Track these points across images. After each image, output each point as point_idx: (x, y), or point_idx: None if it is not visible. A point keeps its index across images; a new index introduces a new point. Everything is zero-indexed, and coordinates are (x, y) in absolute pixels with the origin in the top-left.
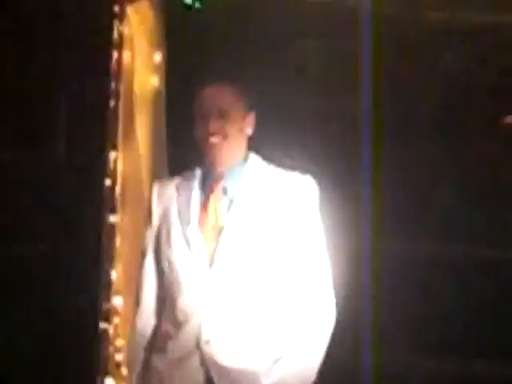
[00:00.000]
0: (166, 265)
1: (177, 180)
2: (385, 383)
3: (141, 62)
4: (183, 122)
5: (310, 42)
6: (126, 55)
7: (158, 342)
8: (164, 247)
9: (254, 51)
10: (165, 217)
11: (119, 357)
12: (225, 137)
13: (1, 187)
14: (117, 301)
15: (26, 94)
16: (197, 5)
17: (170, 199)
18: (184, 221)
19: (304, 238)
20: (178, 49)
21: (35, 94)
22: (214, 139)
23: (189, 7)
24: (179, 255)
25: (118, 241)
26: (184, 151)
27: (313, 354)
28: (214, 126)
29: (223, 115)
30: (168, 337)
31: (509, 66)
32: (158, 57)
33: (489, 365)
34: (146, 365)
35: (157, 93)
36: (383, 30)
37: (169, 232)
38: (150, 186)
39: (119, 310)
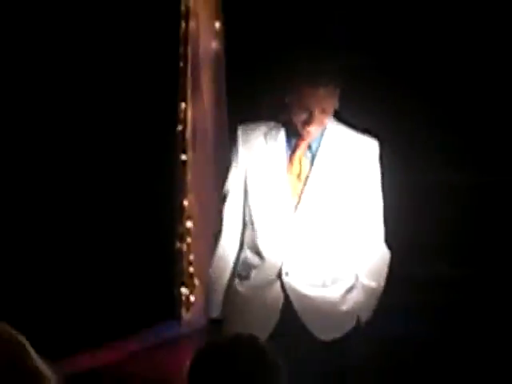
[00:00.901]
0: (253, 203)
1: (263, 128)
2: None
3: (203, 29)
4: (241, 80)
5: None
6: (192, 24)
7: (241, 269)
8: (252, 187)
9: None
10: (254, 160)
11: (191, 269)
12: (320, 126)
13: None
14: (189, 224)
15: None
16: None
17: (259, 145)
18: (273, 167)
19: (368, 186)
20: (235, 18)
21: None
22: (311, 129)
23: None
24: (267, 196)
25: (189, 174)
26: (241, 105)
27: (376, 284)
28: (316, 120)
29: (324, 112)
30: (252, 266)
31: None
32: (217, 25)
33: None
34: (230, 288)
35: (218, 55)
36: None
37: (258, 174)
38: (215, 129)
39: (191, 232)
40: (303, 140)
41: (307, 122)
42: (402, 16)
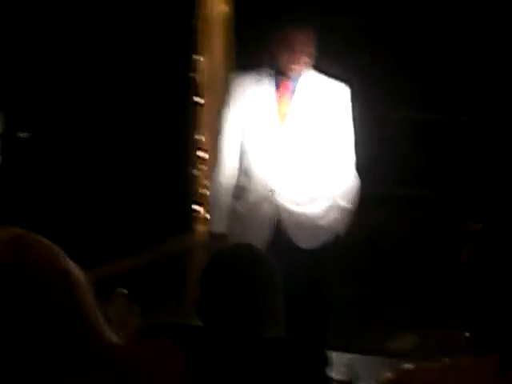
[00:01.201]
0: (247, 133)
1: (254, 74)
2: None
3: None
4: (245, 36)
5: None
6: None
7: (238, 191)
8: (245, 122)
9: None
10: (247, 100)
11: (205, 191)
12: (301, 65)
13: None
14: (203, 154)
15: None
16: None
17: (250, 88)
18: (262, 105)
19: (341, 121)
20: None
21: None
22: (295, 67)
23: None
24: (258, 129)
25: (202, 114)
26: (246, 57)
27: (349, 203)
28: (297, 57)
29: (303, 52)
30: (244, 187)
31: None
32: None
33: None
34: (231, 208)
35: (227, 16)
36: None
37: (252, 109)
38: (225, 77)
39: (204, 161)
40: (287, 81)
41: (291, 60)
42: None
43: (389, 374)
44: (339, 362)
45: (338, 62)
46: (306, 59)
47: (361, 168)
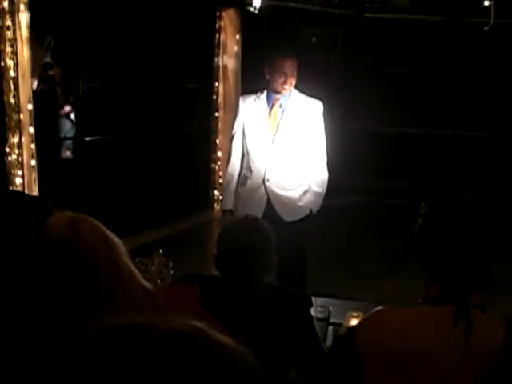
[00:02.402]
0: (248, 138)
1: (253, 96)
2: None
3: (229, 39)
4: (249, 70)
5: None
6: (223, 36)
7: (241, 180)
8: (247, 129)
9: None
10: (248, 114)
11: (221, 180)
12: (291, 86)
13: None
14: (219, 153)
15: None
16: (254, 10)
17: (251, 105)
18: (259, 117)
19: (316, 129)
20: (248, 32)
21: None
22: (287, 87)
23: (251, 12)
24: (256, 134)
25: (219, 124)
26: (248, 83)
27: (321, 190)
28: (289, 80)
29: (292, 75)
30: (246, 177)
31: None
32: (238, 36)
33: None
34: (236, 192)
35: (237, 54)
36: None
37: (251, 120)
38: (236, 99)
39: (220, 158)
40: (277, 99)
41: (284, 82)
42: None
43: (354, 313)
44: (318, 304)
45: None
46: (292, 80)
47: (331, 163)
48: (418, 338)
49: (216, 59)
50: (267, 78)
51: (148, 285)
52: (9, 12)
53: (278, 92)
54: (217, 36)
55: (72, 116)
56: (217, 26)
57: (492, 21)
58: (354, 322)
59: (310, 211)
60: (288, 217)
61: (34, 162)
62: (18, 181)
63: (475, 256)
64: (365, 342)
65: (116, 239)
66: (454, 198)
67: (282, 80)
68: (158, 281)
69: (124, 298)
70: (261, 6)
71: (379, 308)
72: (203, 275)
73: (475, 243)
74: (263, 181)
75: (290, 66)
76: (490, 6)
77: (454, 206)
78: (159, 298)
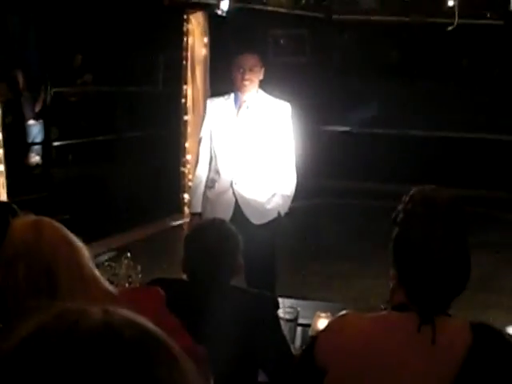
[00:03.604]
0: (215, 140)
1: (221, 98)
2: None
3: (197, 42)
4: (218, 73)
5: None
6: (191, 39)
7: (209, 183)
8: (215, 132)
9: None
10: (216, 115)
11: (190, 183)
12: (251, 82)
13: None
14: (188, 156)
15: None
16: (222, 13)
17: (219, 107)
18: (227, 120)
19: (284, 131)
20: (216, 34)
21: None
22: (246, 83)
23: (218, 15)
24: (223, 137)
25: (188, 128)
26: (217, 86)
27: (289, 193)
28: (247, 76)
29: (251, 70)
30: (214, 180)
31: None
32: (206, 39)
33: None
34: (205, 195)
35: (205, 58)
36: None
37: (219, 123)
38: (204, 101)
39: (189, 161)
40: (244, 101)
41: (243, 78)
42: None
43: (322, 314)
44: (286, 305)
45: (284, 87)
46: (252, 76)
47: (301, 165)
48: (380, 345)
49: (184, 62)
50: (231, 74)
51: (112, 289)
52: None
53: (241, 90)
54: (185, 39)
55: (39, 121)
56: (184, 29)
57: (456, 21)
58: (322, 322)
59: (279, 214)
60: (256, 220)
61: (1, 167)
62: None
63: (452, 270)
64: (326, 350)
65: (79, 243)
66: (429, 201)
67: (240, 76)
68: (127, 284)
69: (85, 301)
70: (228, 9)
71: (342, 313)
72: (170, 278)
73: (453, 258)
74: (231, 184)
75: (247, 62)
76: (454, 6)
77: (429, 212)
78: (122, 301)
